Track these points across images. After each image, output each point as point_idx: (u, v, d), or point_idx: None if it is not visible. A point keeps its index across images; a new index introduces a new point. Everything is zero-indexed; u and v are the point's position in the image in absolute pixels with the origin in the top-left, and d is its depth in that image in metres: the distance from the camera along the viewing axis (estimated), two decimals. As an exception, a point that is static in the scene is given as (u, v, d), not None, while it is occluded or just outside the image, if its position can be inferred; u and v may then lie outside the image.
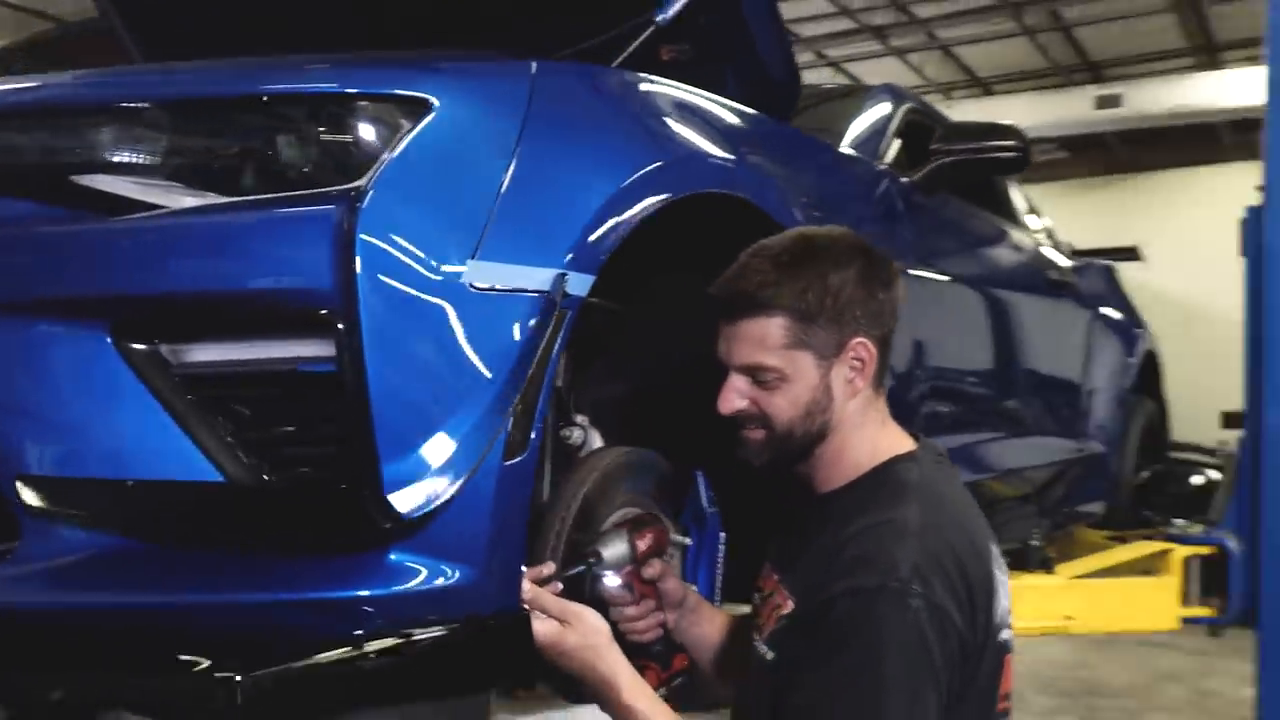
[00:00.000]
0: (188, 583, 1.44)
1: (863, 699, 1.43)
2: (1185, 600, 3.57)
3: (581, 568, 1.73)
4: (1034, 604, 3.32)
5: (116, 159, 1.54)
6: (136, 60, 2.85)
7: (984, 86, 16.20)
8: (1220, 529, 3.50)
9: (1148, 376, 5.10)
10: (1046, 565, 3.47)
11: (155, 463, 1.43)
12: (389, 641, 1.42)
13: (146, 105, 1.54)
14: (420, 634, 1.44)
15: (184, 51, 2.50)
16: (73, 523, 1.44)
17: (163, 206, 1.50)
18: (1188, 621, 3.58)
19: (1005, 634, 1.60)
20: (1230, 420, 3.39)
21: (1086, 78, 15.45)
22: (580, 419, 2.02)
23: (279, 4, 2.59)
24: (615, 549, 1.77)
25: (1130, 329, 4.93)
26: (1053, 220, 4.82)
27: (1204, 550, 3.55)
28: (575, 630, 1.57)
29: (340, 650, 1.39)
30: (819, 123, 3.26)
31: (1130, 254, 5.39)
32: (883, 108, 3.32)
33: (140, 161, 1.54)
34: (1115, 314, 4.83)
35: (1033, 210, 4.63)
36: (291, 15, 2.60)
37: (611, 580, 1.76)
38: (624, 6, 2.26)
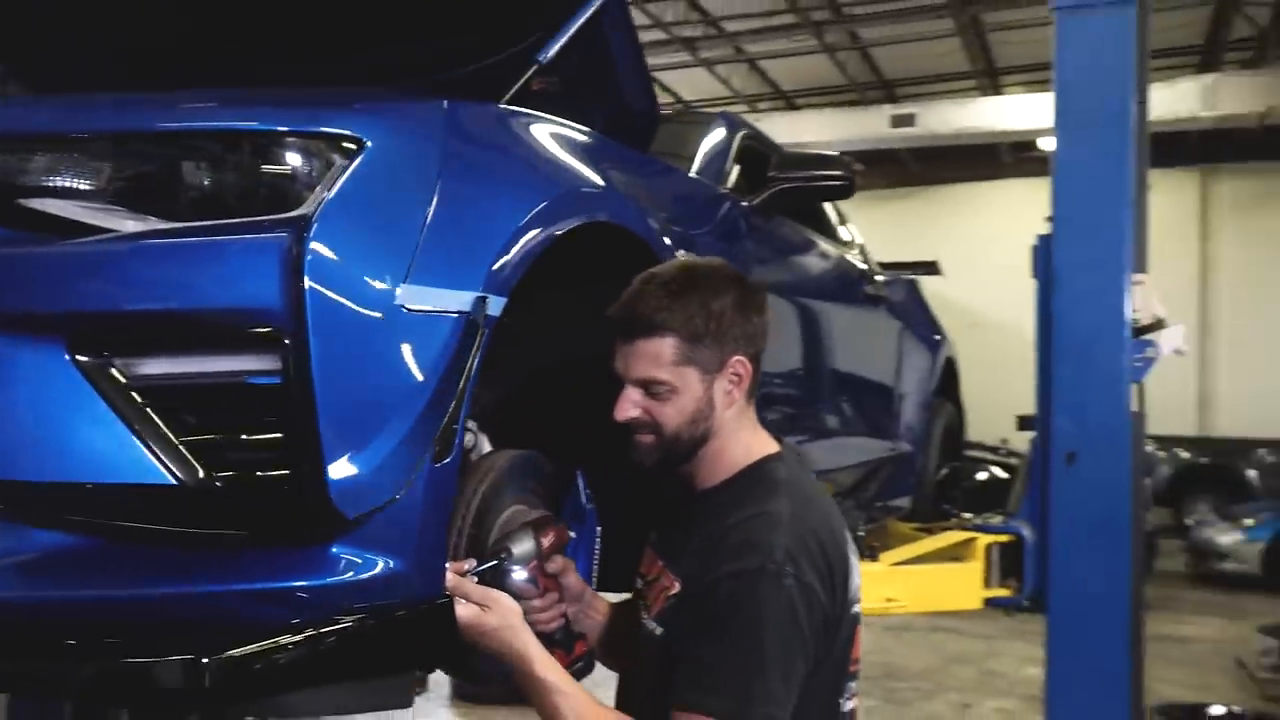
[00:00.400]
0: (144, 576, 1.56)
1: (747, 665, 1.68)
2: (987, 583, 3.97)
3: (494, 562, 1.90)
4: (861, 588, 3.65)
5: (65, 184, 1.65)
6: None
7: (788, 99, 16.85)
8: (1016, 519, 3.92)
9: (948, 381, 5.52)
10: (871, 554, 3.81)
11: (112, 467, 1.54)
12: (336, 626, 1.58)
13: (97, 136, 1.66)
14: (363, 620, 1.61)
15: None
16: (36, 522, 1.54)
17: (108, 229, 1.62)
18: (990, 602, 3.98)
19: (856, 608, 1.89)
20: (1024, 423, 3.79)
21: (881, 95, 16.26)
22: (471, 425, 2.19)
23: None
24: (523, 546, 1.94)
25: (933, 337, 5.34)
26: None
27: (1003, 538, 3.95)
28: (494, 613, 1.75)
29: (293, 634, 1.54)
30: (660, 146, 3.50)
31: (930, 268, 5.82)
32: (720, 135, 3.57)
33: (87, 187, 1.66)
34: (922, 324, 5.23)
35: (843, 223, 4.99)
36: (160, 41, 2.68)
37: (519, 574, 1.93)
38: (502, 40, 2.46)
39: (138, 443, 1.54)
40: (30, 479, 1.54)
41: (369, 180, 1.68)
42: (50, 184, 1.65)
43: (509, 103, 2.27)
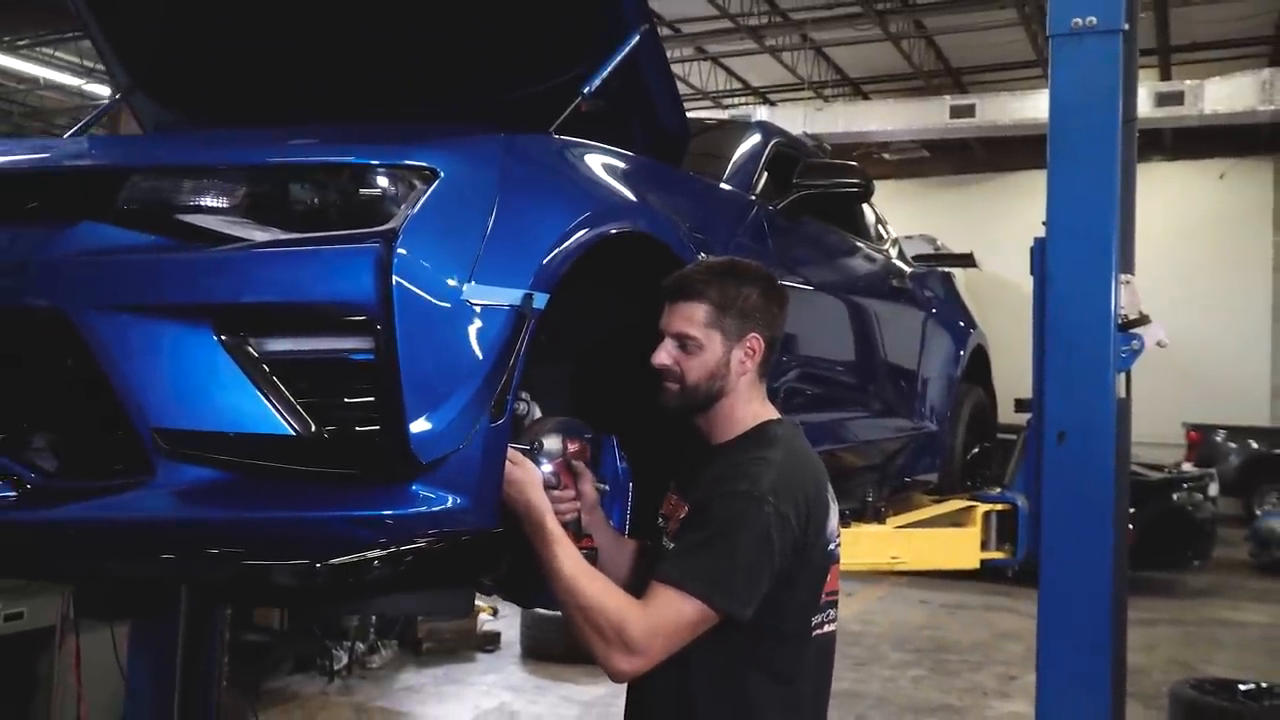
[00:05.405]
0: (271, 503, 2.04)
1: (719, 559, 2.14)
2: (984, 546, 4.42)
3: (528, 446, 2.36)
4: (869, 547, 4.10)
5: (209, 203, 2.15)
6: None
7: (855, 87, 17.10)
8: (1012, 490, 4.36)
9: (978, 368, 5.88)
10: (878, 516, 4.24)
11: (246, 420, 2.02)
12: (415, 544, 2.06)
13: (234, 167, 2.16)
14: (434, 542, 2.09)
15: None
16: (190, 461, 2.04)
17: (242, 239, 2.11)
18: (985, 563, 4.42)
19: (833, 546, 2.34)
20: (1020, 405, 4.20)
21: (948, 83, 16.45)
22: (524, 395, 2.65)
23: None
24: (552, 443, 2.42)
25: (960, 327, 5.69)
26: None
27: (999, 507, 4.41)
28: (519, 469, 2.22)
29: (382, 550, 2.03)
30: (702, 149, 3.94)
31: (967, 260, 6.18)
32: (753, 143, 4.01)
33: (225, 205, 2.15)
34: (949, 314, 5.58)
35: (880, 223, 5.40)
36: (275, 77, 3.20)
37: (546, 467, 2.39)
38: (551, 72, 2.93)
39: (265, 402, 2.02)
40: (186, 428, 2.02)
41: (442, 201, 2.15)
42: (198, 203, 2.15)
43: (557, 129, 2.74)
